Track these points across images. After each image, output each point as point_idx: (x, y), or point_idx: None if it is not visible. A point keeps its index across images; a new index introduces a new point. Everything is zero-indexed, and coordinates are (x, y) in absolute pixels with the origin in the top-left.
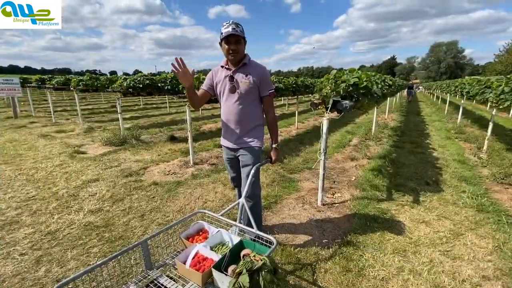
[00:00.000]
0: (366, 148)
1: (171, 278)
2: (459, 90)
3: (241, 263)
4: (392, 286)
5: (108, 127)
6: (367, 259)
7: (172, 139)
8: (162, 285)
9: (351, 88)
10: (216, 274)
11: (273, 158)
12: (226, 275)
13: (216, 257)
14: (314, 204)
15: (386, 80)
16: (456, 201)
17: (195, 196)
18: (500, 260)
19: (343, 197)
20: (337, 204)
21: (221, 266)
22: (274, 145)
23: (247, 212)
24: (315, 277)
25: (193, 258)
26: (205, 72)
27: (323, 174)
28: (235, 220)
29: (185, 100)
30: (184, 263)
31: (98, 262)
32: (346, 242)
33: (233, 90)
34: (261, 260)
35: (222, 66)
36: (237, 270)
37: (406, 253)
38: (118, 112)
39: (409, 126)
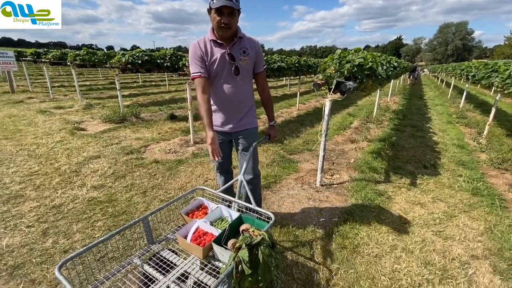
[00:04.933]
0: (366, 131)
1: (173, 251)
2: (465, 73)
3: (240, 238)
4: (385, 262)
5: (107, 104)
6: (362, 237)
7: (172, 117)
8: (164, 258)
9: (355, 69)
10: (216, 248)
11: (272, 135)
12: (226, 249)
13: (216, 232)
14: (313, 184)
15: (391, 62)
16: (452, 185)
17: (195, 174)
18: (489, 241)
19: (341, 178)
20: (336, 185)
21: (221, 240)
22: (272, 123)
23: (246, 189)
24: (312, 253)
25: (194, 233)
26: None
27: (323, 156)
28: (234, 197)
29: (185, 78)
30: (185, 237)
31: (102, 237)
32: (342, 221)
33: (237, 72)
34: (260, 235)
35: (212, 40)
36: (237, 244)
37: (400, 232)
38: (117, 89)
39: (411, 109)
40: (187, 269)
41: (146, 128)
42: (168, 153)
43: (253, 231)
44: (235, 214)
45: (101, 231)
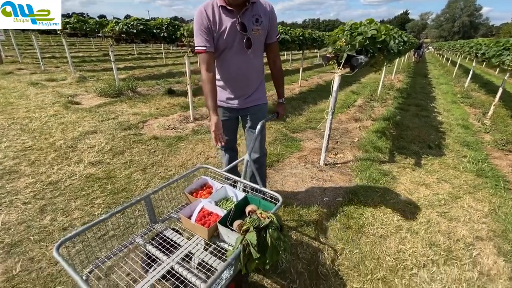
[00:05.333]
0: (370, 109)
1: (176, 231)
2: (474, 51)
3: (248, 220)
4: (390, 243)
5: (101, 77)
6: (367, 217)
7: (170, 92)
8: (167, 238)
9: (367, 42)
10: (222, 229)
11: (281, 113)
12: (232, 230)
13: (221, 212)
14: (316, 163)
15: (402, 36)
16: (457, 166)
17: (196, 151)
18: (494, 222)
19: (345, 157)
20: (339, 165)
21: (226, 221)
22: (281, 100)
23: (252, 169)
24: (316, 232)
25: (198, 212)
26: None
27: (329, 134)
28: (238, 176)
29: (183, 50)
30: (189, 217)
31: (103, 216)
32: (347, 201)
33: (248, 45)
34: (268, 218)
35: (221, 7)
36: (244, 227)
37: (405, 213)
38: (112, 61)
39: (416, 88)
40: (191, 249)
41: (144, 103)
42: (167, 129)
43: (260, 213)
44: (240, 195)
45: (100, 209)
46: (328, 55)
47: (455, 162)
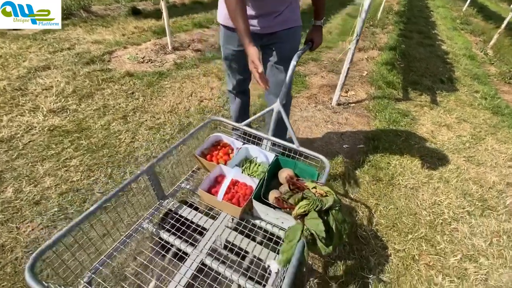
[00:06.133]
0: (372, 36)
1: (191, 206)
2: None
3: (303, 202)
4: (423, 194)
5: None
6: (395, 166)
7: (135, 12)
8: (181, 216)
9: None
10: (259, 206)
11: (317, 42)
12: (275, 208)
13: (250, 181)
14: (328, 104)
15: None
16: (472, 102)
17: (186, 92)
18: None
19: (357, 95)
20: (353, 104)
21: (261, 195)
22: (319, 22)
23: (285, 119)
24: (345, 188)
25: (217, 180)
26: None
27: (348, 68)
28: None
29: None
30: (211, 190)
31: (93, 207)
32: (371, 149)
33: None
34: (328, 195)
35: None
36: (300, 209)
37: (433, 159)
38: None
39: (413, 11)
40: (220, 234)
41: (104, 27)
42: (142, 62)
43: (314, 187)
44: (268, 156)
45: (79, 173)
46: None
47: (470, 99)
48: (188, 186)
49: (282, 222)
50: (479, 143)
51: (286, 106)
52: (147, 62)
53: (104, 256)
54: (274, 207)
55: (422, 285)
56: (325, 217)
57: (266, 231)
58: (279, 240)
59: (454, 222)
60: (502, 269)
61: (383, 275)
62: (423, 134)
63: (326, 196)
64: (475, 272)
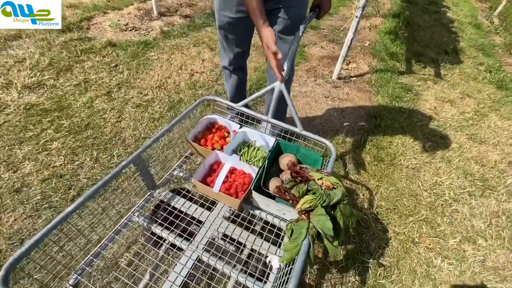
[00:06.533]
0: (375, 1)
1: (184, 196)
2: None
3: (307, 197)
4: (424, 175)
5: None
6: (397, 146)
7: None
8: (174, 208)
9: None
10: (258, 197)
11: (324, 8)
12: (276, 198)
13: (248, 168)
14: (328, 78)
15: None
16: (477, 76)
17: (175, 65)
18: None
19: (359, 68)
20: (354, 78)
21: (261, 184)
22: None
23: (287, 99)
24: (346, 169)
25: (212, 168)
26: None
27: (352, 39)
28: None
29: None
30: (206, 180)
31: (71, 207)
32: (373, 127)
33: None
34: (335, 187)
35: None
36: (304, 204)
37: (435, 138)
38: None
39: None
40: (217, 227)
41: None
42: (126, 30)
43: (321, 178)
44: (268, 139)
45: (61, 156)
46: None
47: (474, 72)
48: (181, 174)
49: (284, 214)
50: (482, 119)
51: (288, 82)
52: (130, 30)
53: (91, 256)
54: (275, 197)
55: (421, 267)
56: (332, 212)
57: (266, 222)
58: (280, 232)
59: (454, 203)
60: (500, 250)
61: (383, 259)
62: (426, 110)
63: (334, 188)
64: (474, 254)
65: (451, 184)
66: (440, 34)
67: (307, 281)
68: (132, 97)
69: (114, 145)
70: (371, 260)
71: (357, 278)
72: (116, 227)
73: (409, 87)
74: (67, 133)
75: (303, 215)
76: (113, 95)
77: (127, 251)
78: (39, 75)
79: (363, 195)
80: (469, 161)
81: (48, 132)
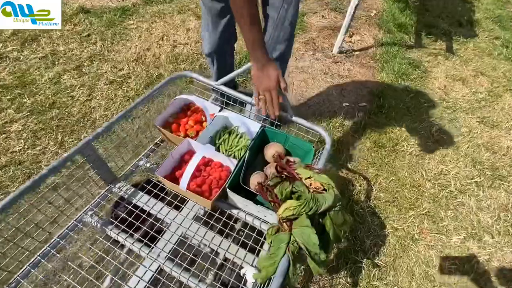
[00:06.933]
0: None
1: (149, 192)
2: None
3: (291, 202)
4: (429, 163)
5: None
6: (401, 130)
7: None
8: (136, 206)
9: None
10: (235, 197)
11: None
12: (257, 201)
13: (226, 160)
14: (329, 51)
15: None
16: (492, 51)
17: (156, 35)
18: None
19: (363, 41)
20: (357, 52)
21: (240, 180)
22: None
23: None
24: (343, 157)
25: (183, 159)
26: None
27: (356, 6)
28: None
29: None
30: (173, 176)
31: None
32: (375, 108)
33: None
34: (327, 188)
35: None
36: (285, 212)
37: (443, 120)
38: None
39: None
40: (185, 230)
41: None
42: None
43: (309, 178)
44: (251, 125)
45: (22, 140)
46: None
47: (490, 47)
48: (148, 165)
49: (265, 216)
50: (496, 101)
51: (283, 58)
52: None
53: (28, 266)
54: (255, 197)
55: (419, 267)
56: (320, 219)
57: (246, 224)
58: (260, 238)
59: (460, 195)
60: (507, 248)
61: (379, 258)
62: (435, 90)
63: (324, 190)
64: (478, 252)
65: (458, 173)
66: (454, 3)
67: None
68: (105, 72)
69: (82, 127)
70: (365, 260)
71: (348, 280)
72: (64, 230)
73: (417, 63)
74: (29, 113)
75: (284, 224)
76: (83, 70)
77: (74, 261)
78: (1, 47)
79: (360, 185)
80: (479, 148)
81: (8, 112)
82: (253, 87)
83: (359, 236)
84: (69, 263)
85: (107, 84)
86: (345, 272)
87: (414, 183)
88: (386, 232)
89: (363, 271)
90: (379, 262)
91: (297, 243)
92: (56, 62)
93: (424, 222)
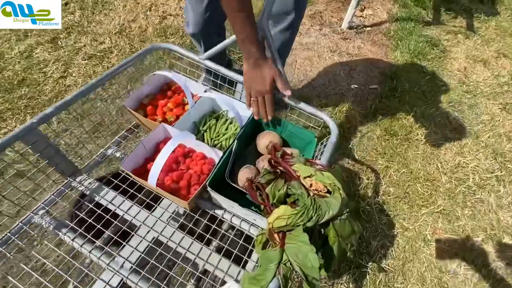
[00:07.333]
0: None
1: (116, 188)
2: None
3: (284, 209)
4: (445, 154)
5: None
6: (415, 116)
7: None
8: (99, 205)
9: None
10: (219, 197)
11: None
12: (246, 197)
13: (210, 151)
14: (337, 27)
15: None
16: None
17: (142, 4)
18: None
19: (375, 16)
20: (369, 28)
21: (225, 175)
22: None
23: (273, 52)
24: (350, 145)
25: (158, 148)
26: None
27: None
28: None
29: None
30: (145, 169)
31: None
32: (387, 91)
33: None
34: (330, 191)
35: None
36: (277, 221)
37: (462, 106)
38: None
39: None
40: (157, 235)
41: None
42: None
43: (310, 176)
44: (242, 110)
45: None
46: None
47: None
48: (117, 154)
49: (254, 219)
50: None
51: (297, 21)
52: None
53: None
54: (245, 196)
55: (431, 273)
56: (322, 230)
57: (232, 227)
58: (247, 245)
59: (479, 191)
60: None
61: (386, 261)
62: (454, 71)
63: (328, 194)
64: (498, 256)
65: (477, 166)
66: None
67: None
68: (84, 46)
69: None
70: (370, 264)
71: (351, 286)
72: (5, 233)
73: (435, 41)
74: None
75: (276, 235)
76: (59, 43)
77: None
78: None
79: (368, 178)
80: (501, 138)
81: None
82: (243, 85)
83: (364, 236)
84: (9, 276)
85: (85, 59)
86: (348, 277)
87: (428, 176)
88: (395, 232)
89: (368, 276)
90: (386, 266)
91: (290, 264)
92: (29, 34)
93: (438, 221)
